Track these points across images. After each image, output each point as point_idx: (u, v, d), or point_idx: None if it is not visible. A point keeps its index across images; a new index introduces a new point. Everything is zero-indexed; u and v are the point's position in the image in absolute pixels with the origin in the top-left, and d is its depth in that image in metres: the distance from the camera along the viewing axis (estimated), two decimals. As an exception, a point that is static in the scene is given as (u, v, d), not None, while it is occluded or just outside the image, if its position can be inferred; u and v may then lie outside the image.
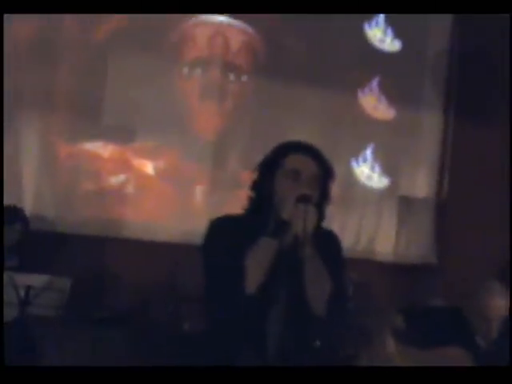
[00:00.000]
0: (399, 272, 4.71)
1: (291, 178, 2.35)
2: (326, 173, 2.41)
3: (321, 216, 2.35)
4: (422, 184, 5.04)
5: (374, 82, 4.92)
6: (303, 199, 2.28)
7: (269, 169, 2.41)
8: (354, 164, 4.89)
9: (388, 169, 4.98)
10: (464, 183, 4.91)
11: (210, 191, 4.49)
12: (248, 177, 3.99)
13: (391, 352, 3.22)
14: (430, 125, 5.07)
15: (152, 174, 4.38)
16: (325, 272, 2.31)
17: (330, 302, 2.29)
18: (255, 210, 2.41)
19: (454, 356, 3.22)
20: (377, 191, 4.95)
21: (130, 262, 4.09)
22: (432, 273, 4.75)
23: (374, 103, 4.94)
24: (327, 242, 2.43)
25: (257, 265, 2.26)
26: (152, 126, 4.33)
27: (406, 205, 4.96)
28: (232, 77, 4.53)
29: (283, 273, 2.30)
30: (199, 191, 4.51)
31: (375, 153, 4.93)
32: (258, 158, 2.52)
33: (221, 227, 2.41)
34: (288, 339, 2.29)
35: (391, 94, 4.94)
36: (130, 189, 4.32)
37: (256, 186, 2.43)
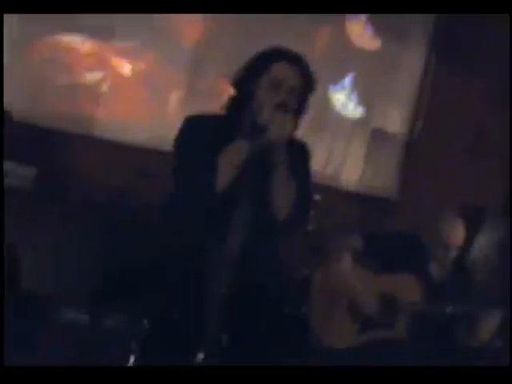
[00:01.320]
0: (361, 202, 4.81)
1: (273, 84, 2.42)
2: (307, 85, 2.48)
3: (296, 126, 2.43)
4: (395, 119, 5.06)
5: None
6: (282, 107, 2.37)
7: (253, 71, 2.47)
8: (331, 90, 4.87)
9: (364, 100, 4.97)
10: (437, 125, 4.96)
11: (186, 98, 4.49)
12: (226, 86, 4.04)
13: (346, 270, 3.47)
14: (413, 62, 5.07)
15: (128, 74, 4.37)
16: (292, 179, 2.40)
17: (293, 208, 2.39)
18: (234, 110, 2.49)
19: (406, 282, 3.49)
20: (350, 120, 4.96)
21: (97, 161, 4.14)
22: (393, 207, 4.86)
23: (360, 31, 4.93)
24: (298, 152, 2.52)
25: (228, 164, 2.33)
26: (132, 27, 4.30)
27: (377, 138, 4.98)
28: None
29: (253, 175, 2.38)
30: (175, 97, 4.51)
31: (354, 82, 4.91)
32: (237, 69, 2.60)
33: (196, 123, 2.49)
34: (248, 241, 2.38)
35: (378, 24, 4.92)
36: (104, 87, 4.30)
37: (238, 85, 2.50)
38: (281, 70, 2.45)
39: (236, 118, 2.48)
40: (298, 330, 3.46)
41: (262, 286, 2.46)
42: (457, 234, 3.56)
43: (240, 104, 2.48)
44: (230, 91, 2.52)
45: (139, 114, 4.38)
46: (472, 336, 3.37)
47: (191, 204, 2.39)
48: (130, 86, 4.35)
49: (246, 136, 2.40)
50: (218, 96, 4.21)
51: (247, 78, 2.48)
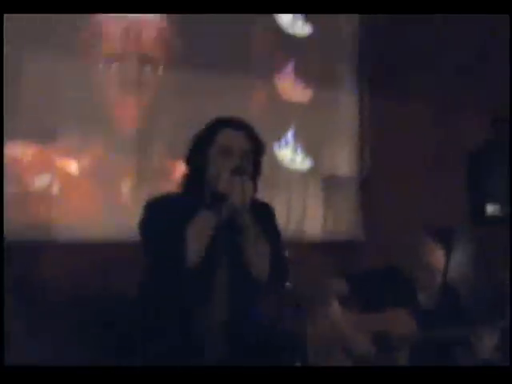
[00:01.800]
0: (329, 250, 4.81)
1: (224, 152, 2.50)
2: (256, 147, 2.58)
3: (255, 188, 2.50)
4: (344, 162, 5.15)
5: (289, 66, 5.05)
6: (238, 171, 2.43)
7: (201, 144, 2.55)
8: (276, 148, 4.93)
9: (310, 150, 5.05)
10: (385, 157, 5.07)
11: (137, 183, 4.51)
12: (174, 165, 4.05)
13: (337, 318, 3.47)
14: (347, 103, 5.19)
15: (76, 172, 4.38)
16: (263, 238, 2.45)
17: (271, 266, 2.43)
18: (190, 185, 2.56)
19: (397, 317, 3.50)
20: (301, 173, 5.02)
21: (62, 265, 4.09)
22: (361, 248, 4.90)
23: (290, 86, 5.05)
24: (263, 212, 2.58)
25: (197, 238, 2.36)
26: (72, 124, 4.33)
27: (331, 184, 5.05)
28: (148, 69, 4.58)
29: (223, 244, 2.43)
30: (126, 185, 4.53)
31: (296, 135, 5.00)
32: (183, 146, 2.68)
33: (157, 205, 2.52)
34: (233, 306, 2.44)
35: (306, 76, 5.06)
36: (54, 190, 4.30)
37: (189, 161, 2.58)
38: (228, 137, 2.53)
39: (195, 193, 2.52)
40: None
41: (255, 346, 2.51)
42: (437, 256, 3.61)
43: (195, 178, 2.54)
44: (182, 168, 2.60)
45: (93, 208, 4.37)
46: (473, 355, 3.35)
47: (165, 282, 2.41)
48: (80, 183, 4.37)
49: (207, 206, 2.43)
50: (169, 175, 4.40)
51: (197, 152, 2.55)
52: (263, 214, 2.57)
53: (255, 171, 2.57)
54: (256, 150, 2.57)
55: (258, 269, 2.44)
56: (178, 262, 2.33)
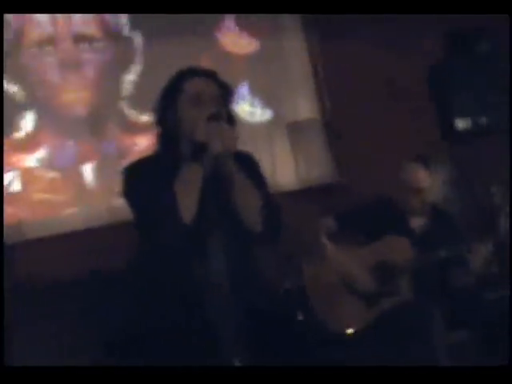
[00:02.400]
0: (309, 196, 4.91)
1: (195, 101, 2.49)
2: (226, 93, 2.58)
3: (235, 134, 2.48)
4: (305, 107, 5.24)
5: (229, 20, 5.14)
6: (214, 117, 2.40)
7: (170, 97, 2.54)
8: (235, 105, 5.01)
9: (268, 101, 5.13)
10: (345, 98, 5.12)
11: (100, 165, 4.60)
12: (131, 141, 4.18)
13: (331, 254, 3.62)
14: (296, 50, 5.27)
15: (36, 164, 4.49)
16: (251, 185, 2.46)
17: (263, 213, 2.44)
18: (166, 143, 2.56)
19: (394, 244, 3.67)
20: (264, 125, 5.12)
21: (41, 261, 4.16)
22: (341, 189, 4.97)
23: (234, 40, 5.13)
24: (247, 162, 2.59)
25: (187, 192, 2.36)
26: (20, 116, 4.44)
27: (295, 131, 5.16)
28: (85, 46, 4.65)
29: (214, 195, 2.40)
30: (88, 169, 4.61)
31: (251, 88, 5.08)
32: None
33: (137, 168, 2.53)
34: (231, 262, 2.39)
35: (248, 28, 5.14)
36: (17, 186, 4.41)
37: (161, 118, 2.56)
38: (196, 85, 2.53)
39: (172, 150, 2.53)
40: (307, 330, 3.52)
41: (257, 301, 2.51)
42: (420, 175, 3.84)
43: (170, 134, 2.54)
44: (144, 142, 2.79)
45: (60, 199, 4.46)
46: (467, 273, 3.60)
47: (164, 245, 2.41)
48: (42, 175, 4.46)
49: (190, 158, 2.43)
50: (131, 152, 4.51)
51: (166, 106, 2.55)
52: (247, 163, 2.57)
53: (230, 119, 2.55)
54: (226, 96, 2.57)
55: (251, 219, 2.45)
56: (174, 220, 2.33)
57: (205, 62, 4.65)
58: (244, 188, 2.45)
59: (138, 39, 4.75)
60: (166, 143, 2.56)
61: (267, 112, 5.18)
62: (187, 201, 2.35)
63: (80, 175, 4.59)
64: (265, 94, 5.14)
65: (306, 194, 4.94)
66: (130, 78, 4.78)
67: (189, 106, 2.50)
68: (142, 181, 2.45)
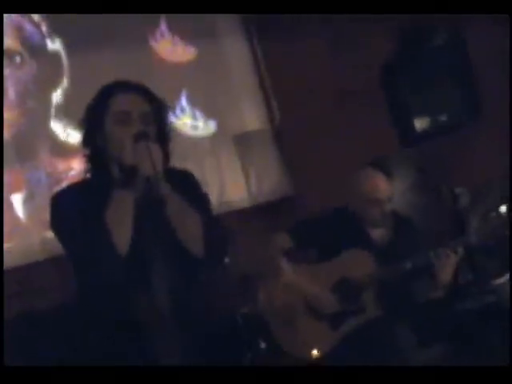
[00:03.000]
0: (260, 213, 4.97)
1: (121, 119, 2.47)
2: (158, 108, 2.56)
3: (166, 153, 2.50)
4: (251, 117, 5.30)
5: (163, 26, 5.14)
6: (141, 137, 2.40)
7: (95, 115, 2.51)
8: (172, 118, 4.86)
9: (210, 112, 5.15)
10: (293, 105, 5.20)
11: (31, 194, 4.51)
12: (66, 165, 4.13)
13: (291, 278, 3.59)
14: (238, 56, 5.34)
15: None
16: (189, 207, 2.45)
17: (205, 237, 2.44)
18: (94, 167, 2.54)
19: (354, 259, 3.63)
20: (208, 138, 5.14)
21: None
22: (294, 203, 5.02)
23: (169, 47, 5.14)
24: (183, 180, 2.58)
25: (119, 221, 2.36)
26: None
27: (243, 143, 5.20)
28: (7, 62, 4.54)
29: (149, 221, 2.43)
30: (20, 199, 4.52)
31: (190, 99, 5.09)
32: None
33: (65, 197, 2.51)
34: (176, 290, 2.44)
35: (182, 34, 5.15)
36: None
37: (86, 139, 2.54)
38: (122, 102, 2.51)
39: (101, 174, 2.53)
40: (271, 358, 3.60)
41: (210, 328, 2.59)
42: (379, 182, 3.76)
43: (97, 157, 2.53)
44: (77, 165, 2.66)
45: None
46: (435, 283, 3.55)
47: (100, 279, 2.40)
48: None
49: (120, 184, 2.42)
50: (64, 176, 4.47)
51: (91, 126, 2.53)
52: (184, 182, 2.57)
53: (162, 135, 2.55)
54: (158, 112, 2.56)
55: (191, 243, 2.45)
56: (108, 253, 2.33)
57: (139, 73, 4.38)
58: (181, 210, 2.44)
59: (61, 51, 4.70)
60: (94, 167, 2.55)
61: (210, 124, 5.19)
62: (120, 230, 2.35)
63: (10, 206, 4.48)
64: (206, 105, 5.15)
65: (257, 211, 4.97)
66: (58, 94, 4.73)
67: (115, 125, 2.49)
68: (71, 211, 2.44)
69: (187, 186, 2.58)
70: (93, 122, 2.52)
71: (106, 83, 2.59)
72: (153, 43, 5.10)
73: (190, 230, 2.45)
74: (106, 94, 2.53)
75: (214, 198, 4.29)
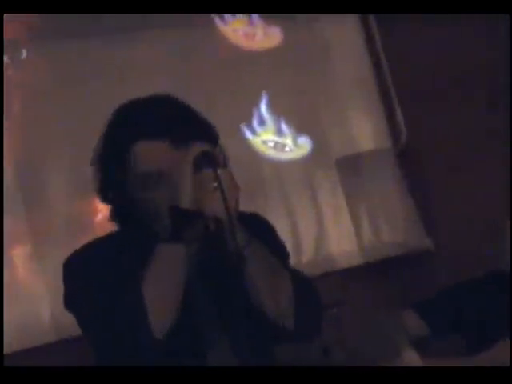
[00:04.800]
0: (375, 275, 4.86)
1: (153, 182, 2.48)
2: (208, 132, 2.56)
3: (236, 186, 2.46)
4: (362, 133, 5.08)
5: None
6: (205, 158, 2.39)
7: (110, 176, 2.56)
8: (247, 135, 4.84)
9: (303, 124, 4.95)
10: (427, 116, 5.07)
11: (36, 250, 4.48)
12: (87, 205, 4.47)
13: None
14: (344, 42, 5.14)
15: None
16: (276, 262, 2.48)
17: (295, 303, 2.46)
18: (123, 220, 2.60)
19: None
20: (298, 163, 4.93)
21: None
22: (428, 261, 4.96)
23: (243, 29, 4.99)
24: (255, 229, 2.54)
25: (163, 289, 2.38)
26: None
27: (351, 170, 4.99)
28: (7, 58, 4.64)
29: (208, 287, 2.52)
30: (24, 257, 4.50)
31: (274, 106, 4.89)
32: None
33: (84, 262, 2.55)
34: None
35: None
36: None
37: (104, 197, 2.60)
38: (147, 156, 2.51)
39: (136, 226, 2.56)
40: None
41: None
42: None
43: (125, 209, 2.56)
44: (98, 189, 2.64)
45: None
46: None
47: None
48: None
49: (167, 236, 2.40)
50: (71, 226, 4.49)
51: (108, 187, 2.58)
52: (256, 231, 2.54)
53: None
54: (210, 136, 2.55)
55: (275, 311, 2.46)
56: (141, 336, 2.36)
57: (198, 70, 4.77)
58: (265, 265, 2.47)
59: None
60: (123, 222, 2.62)
61: (303, 142, 5.01)
62: (163, 304, 2.38)
63: (12, 265, 4.48)
64: (297, 115, 5.01)
65: (372, 272, 4.91)
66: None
67: (144, 190, 2.52)
68: (90, 280, 2.48)
69: (263, 235, 2.58)
70: (109, 184, 2.59)
71: (118, 109, 2.61)
72: (220, 25, 4.97)
73: (277, 293, 2.48)
74: (122, 141, 2.55)
75: (308, 251, 4.88)
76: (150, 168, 2.50)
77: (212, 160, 2.39)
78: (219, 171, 2.38)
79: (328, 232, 4.94)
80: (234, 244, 2.38)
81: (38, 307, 4.45)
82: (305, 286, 2.55)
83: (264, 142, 4.91)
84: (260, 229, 2.65)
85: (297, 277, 2.55)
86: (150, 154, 2.51)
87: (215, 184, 2.36)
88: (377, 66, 5.20)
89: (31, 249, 4.53)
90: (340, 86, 5.14)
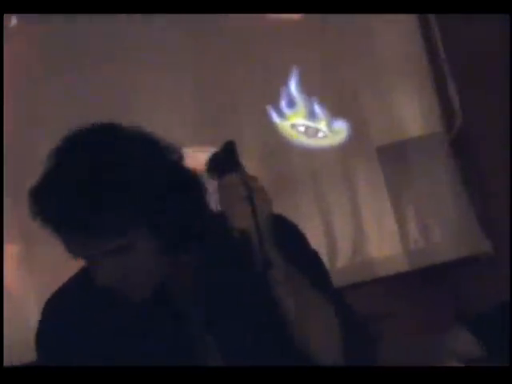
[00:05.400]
0: (424, 285, 4.81)
1: None
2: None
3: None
4: (410, 116, 4.97)
5: None
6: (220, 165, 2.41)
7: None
8: (274, 118, 4.77)
9: (339, 106, 4.85)
10: (488, 99, 4.95)
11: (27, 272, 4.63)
12: None
13: None
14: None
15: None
16: (316, 291, 2.44)
17: (345, 339, 2.46)
18: None
19: None
20: (333, 151, 4.84)
21: None
22: (487, 269, 4.86)
23: None
24: (284, 234, 2.52)
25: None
26: None
27: (396, 160, 4.90)
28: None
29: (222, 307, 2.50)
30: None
31: (306, 84, 4.78)
32: None
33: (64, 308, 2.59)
34: None
35: None
36: None
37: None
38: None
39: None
40: None
41: None
42: None
43: None
44: None
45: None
46: None
47: None
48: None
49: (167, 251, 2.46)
50: None
51: None
52: (282, 238, 2.50)
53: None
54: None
55: (324, 354, 2.49)
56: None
57: (213, 40, 4.81)
58: (301, 291, 2.48)
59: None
60: None
61: (339, 127, 4.88)
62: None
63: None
64: (332, 93, 4.89)
65: (420, 281, 4.86)
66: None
67: None
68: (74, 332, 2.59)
69: (290, 244, 2.57)
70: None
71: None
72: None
73: (322, 332, 2.50)
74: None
75: (344, 255, 4.88)
76: None
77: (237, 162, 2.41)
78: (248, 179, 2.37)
79: (368, 233, 4.88)
80: (263, 269, 2.37)
81: (25, 306, 4.57)
82: (352, 320, 2.54)
83: (293, 127, 4.83)
84: (287, 236, 2.58)
85: (339, 302, 2.53)
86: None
87: (244, 193, 2.35)
88: (428, 39, 5.08)
89: (21, 248, 4.68)
90: (384, 62, 5.02)
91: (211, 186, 2.49)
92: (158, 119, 4.67)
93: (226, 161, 2.43)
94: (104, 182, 2.35)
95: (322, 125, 4.85)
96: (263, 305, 2.49)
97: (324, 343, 2.50)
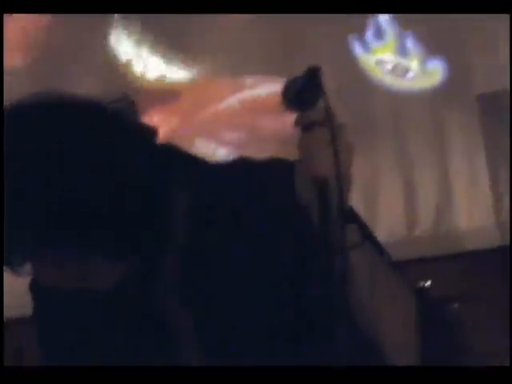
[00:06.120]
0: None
1: None
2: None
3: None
4: None
5: None
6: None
7: None
8: (357, 51, 4.53)
9: (436, 41, 4.61)
10: None
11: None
12: None
13: None
14: None
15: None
16: (396, 279, 2.10)
17: (427, 338, 2.08)
18: None
19: None
20: (427, 95, 4.58)
21: None
22: None
23: None
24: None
25: None
26: None
27: (499, 108, 4.53)
28: None
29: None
30: None
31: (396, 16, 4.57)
32: None
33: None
34: None
35: None
36: None
37: None
38: None
39: None
40: None
41: None
42: None
43: None
44: None
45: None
46: None
47: None
48: None
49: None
50: None
51: None
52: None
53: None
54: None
55: (396, 349, 2.11)
56: None
57: None
58: (384, 284, 2.08)
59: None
60: None
61: (433, 67, 4.62)
62: None
63: None
64: (429, 28, 4.65)
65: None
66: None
67: None
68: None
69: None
70: None
71: None
72: None
73: (393, 324, 2.07)
74: None
75: (425, 224, 4.70)
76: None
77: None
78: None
79: (456, 199, 4.61)
80: (336, 235, 1.91)
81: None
82: (433, 312, 2.07)
83: (379, 63, 4.59)
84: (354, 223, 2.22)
85: (420, 296, 2.08)
86: None
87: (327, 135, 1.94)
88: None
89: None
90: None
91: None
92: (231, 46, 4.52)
93: (309, 87, 1.95)
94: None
95: (414, 63, 4.62)
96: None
97: (400, 340, 2.12)
